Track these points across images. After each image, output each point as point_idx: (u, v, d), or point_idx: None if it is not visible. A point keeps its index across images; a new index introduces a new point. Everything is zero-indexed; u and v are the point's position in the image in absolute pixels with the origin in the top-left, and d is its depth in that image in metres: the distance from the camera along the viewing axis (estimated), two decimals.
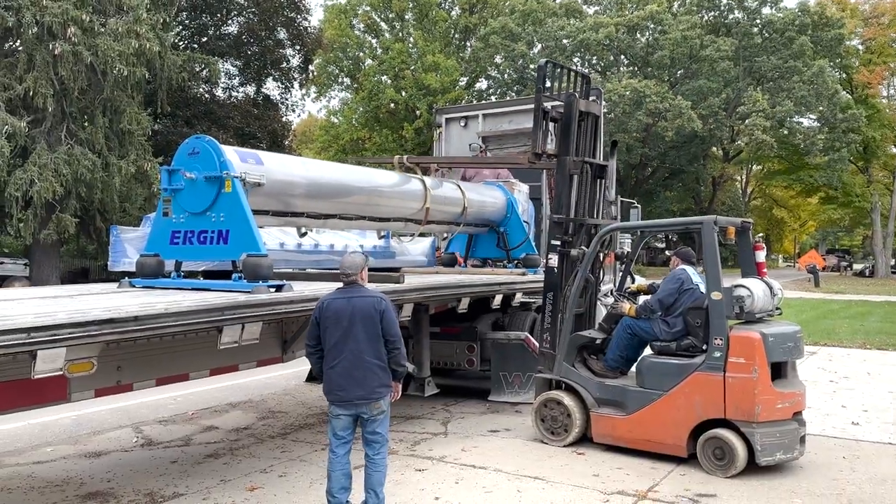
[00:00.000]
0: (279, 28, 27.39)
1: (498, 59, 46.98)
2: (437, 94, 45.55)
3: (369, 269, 7.96)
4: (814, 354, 11.63)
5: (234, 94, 27.86)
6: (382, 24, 48.84)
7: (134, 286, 5.58)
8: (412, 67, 46.43)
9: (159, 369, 4.89)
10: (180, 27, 25.07)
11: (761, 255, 6.32)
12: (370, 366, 4.28)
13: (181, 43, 24.74)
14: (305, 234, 7.20)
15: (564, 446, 6.05)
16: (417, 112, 44.30)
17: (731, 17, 45.84)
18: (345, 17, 45.68)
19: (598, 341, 6.42)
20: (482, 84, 51.39)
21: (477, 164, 9.52)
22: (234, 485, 5.26)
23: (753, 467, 5.34)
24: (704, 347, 5.62)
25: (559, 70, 7.12)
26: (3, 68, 16.63)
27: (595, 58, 46.65)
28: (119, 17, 17.76)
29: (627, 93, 38.52)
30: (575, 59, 46.57)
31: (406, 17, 50.59)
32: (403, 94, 45.83)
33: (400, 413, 7.51)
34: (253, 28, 25.85)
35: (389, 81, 46.54)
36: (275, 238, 7.03)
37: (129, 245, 6.32)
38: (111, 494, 5.08)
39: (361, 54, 48.55)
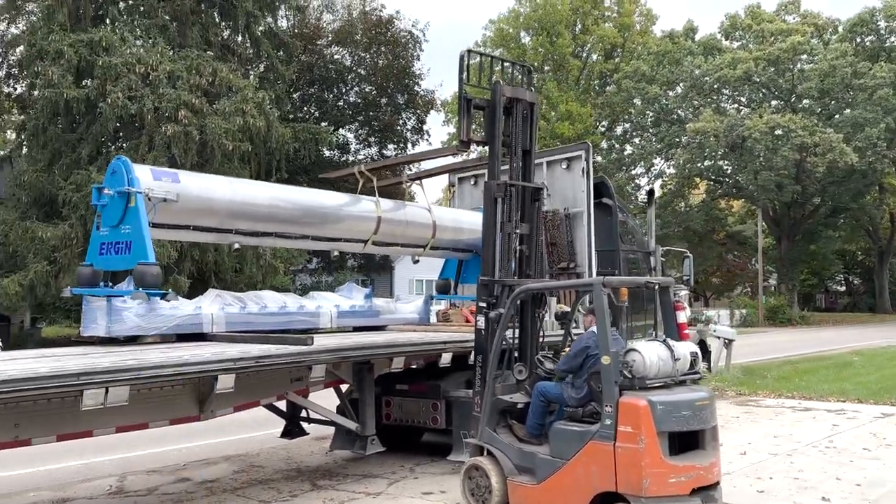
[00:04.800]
0: (396, 94, 28.95)
1: (638, 102, 46.16)
2: (572, 141, 45.59)
3: (353, 328, 8.47)
4: (887, 416, 10.32)
5: (356, 157, 29.69)
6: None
7: (72, 294, 6.87)
8: (547, 118, 46.90)
9: (60, 426, 5.48)
10: (300, 100, 27.27)
11: (682, 316, 5.98)
12: None
13: (300, 114, 26.90)
14: (238, 249, 8.08)
15: None
16: None
17: (890, 40, 42.05)
18: (483, 74, 47.17)
19: (519, 406, 6.20)
20: (622, 126, 50.74)
21: (407, 160, 9.81)
22: None
23: None
24: None
25: (490, 60, 7.22)
26: (130, 150, 19.00)
27: (735, 93, 44.49)
28: (228, 98, 19.76)
29: (767, 128, 36.22)
30: (715, 97, 44.73)
31: (545, 68, 51.32)
32: (539, 144, 46.02)
33: (361, 471, 7.71)
34: (366, 96, 27.55)
35: None
36: (247, 302, 7.60)
37: (99, 312, 7.10)
38: None
39: None
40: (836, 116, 40.23)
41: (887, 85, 37.75)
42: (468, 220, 9.53)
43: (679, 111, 45.17)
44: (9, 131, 30.39)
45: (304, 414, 7.89)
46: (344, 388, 7.67)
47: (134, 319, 6.57)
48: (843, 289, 74.35)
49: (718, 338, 15.61)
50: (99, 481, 7.54)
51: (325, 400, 7.61)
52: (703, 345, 14.49)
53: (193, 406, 6.22)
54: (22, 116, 24.08)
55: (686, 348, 5.68)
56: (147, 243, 6.02)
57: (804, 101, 42.62)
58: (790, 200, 43.11)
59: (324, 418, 7.40)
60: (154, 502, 6.70)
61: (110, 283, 6.69)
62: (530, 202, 6.94)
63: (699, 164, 42.39)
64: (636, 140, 47.99)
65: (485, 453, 6.09)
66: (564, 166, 9.57)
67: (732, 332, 15.71)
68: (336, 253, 8.60)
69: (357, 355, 6.53)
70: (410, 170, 10.48)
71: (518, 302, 6.35)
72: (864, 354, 20.98)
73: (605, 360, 5.30)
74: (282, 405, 7.76)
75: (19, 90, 26.11)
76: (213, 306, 7.21)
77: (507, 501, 5.86)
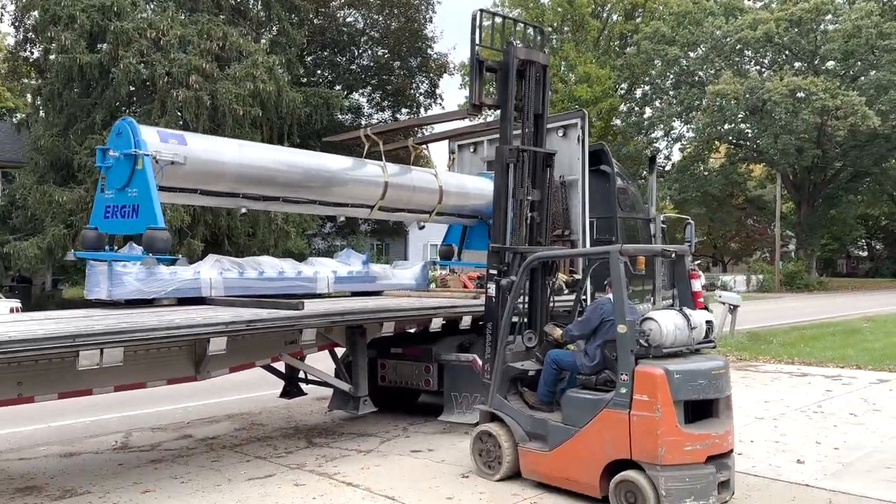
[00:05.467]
0: (409, 58, 28.85)
1: (658, 63, 45.45)
2: (590, 104, 45.15)
3: (351, 294, 8.64)
4: (883, 383, 10.41)
5: (369, 121, 29.71)
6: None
7: (76, 257, 6.93)
8: (565, 80, 46.41)
9: (61, 385, 5.76)
10: (312, 64, 27.25)
11: (697, 284, 5.93)
12: None
13: (313, 78, 26.91)
14: (246, 213, 8.12)
15: (497, 480, 5.93)
16: None
17: None
18: (499, 34, 46.68)
19: (530, 373, 6.26)
20: (641, 89, 50.02)
21: (416, 123, 9.76)
22: (137, 487, 6.02)
23: None
24: None
25: (503, 21, 7.12)
26: (142, 115, 19.22)
27: (758, 55, 43.64)
28: (239, 62, 19.85)
29: (787, 91, 35.58)
30: (736, 59, 43.94)
31: (564, 29, 50.60)
32: (556, 107, 45.76)
33: (357, 430, 7.98)
34: (378, 60, 27.49)
35: None
36: (245, 267, 7.80)
37: (101, 276, 7.36)
38: (38, 489, 6.05)
39: None
40: (861, 79, 39.39)
41: None
42: (474, 186, 9.58)
43: (700, 73, 44.49)
44: (28, 95, 30.74)
45: (301, 375, 8.16)
46: (342, 351, 7.91)
47: (134, 283, 6.73)
48: (866, 254, 73.58)
49: (723, 303, 15.67)
50: (105, 437, 7.88)
51: (325, 362, 7.87)
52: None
53: (190, 366, 6.44)
54: (39, 81, 24.33)
55: (702, 317, 5.60)
56: (156, 207, 5.98)
57: (828, 63, 41.77)
58: (810, 165, 42.56)
59: (318, 379, 7.65)
60: (155, 457, 7.01)
61: (115, 247, 6.87)
62: (542, 168, 6.83)
63: (719, 128, 41.84)
64: (656, 103, 47.37)
65: (495, 420, 6.12)
66: (561, 134, 9.59)
67: (737, 297, 15.75)
68: (342, 218, 8.62)
69: (346, 320, 6.71)
70: (422, 133, 10.39)
71: (529, 269, 6.32)
72: (875, 321, 20.93)
73: (622, 328, 5.26)
74: (281, 367, 8.03)
75: (36, 54, 26.36)
76: (211, 271, 7.39)
77: (517, 467, 5.91)
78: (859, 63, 40.56)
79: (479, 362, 7.64)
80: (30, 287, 24.34)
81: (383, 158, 8.62)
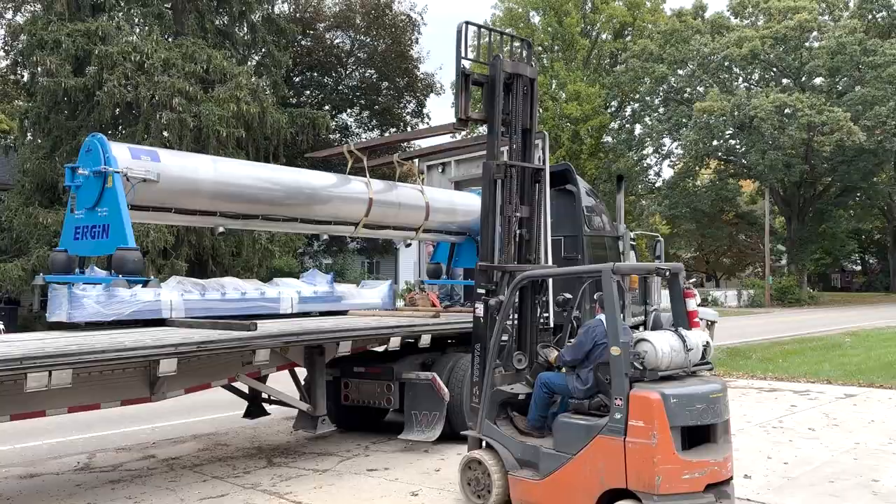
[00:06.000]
0: (396, 78, 29.14)
1: (647, 81, 45.83)
2: (580, 122, 45.53)
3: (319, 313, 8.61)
4: (850, 398, 10.50)
5: (357, 141, 29.93)
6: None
7: (45, 281, 6.59)
8: (555, 98, 46.79)
9: (13, 406, 5.83)
10: (300, 84, 27.53)
11: (692, 303, 5.61)
12: None
13: (302, 98, 27.18)
14: (223, 232, 8.02)
15: None
16: (559, 142, 44.38)
17: None
18: (481, 49, 47.14)
19: (521, 397, 5.96)
20: (631, 107, 50.38)
21: (400, 139, 9.62)
22: None
23: None
24: None
25: (490, 34, 7.01)
26: (127, 137, 19.42)
27: (745, 73, 44.06)
28: (223, 84, 20.08)
29: (773, 107, 35.90)
30: (724, 76, 44.35)
31: (555, 47, 51.03)
32: (546, 125, 46.13)
33: (319, 449, 8.06)
34: (366, 80, 27.77)
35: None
36: (208, 288, 7.90)
37: (63, 299, 7.45)
38: None
39: None
40: (847, 95, 39.75)
41: None
42: (462, 202, 9.52)
43: (687, 90, 44.88)
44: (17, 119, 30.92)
45: (264, 395, 8.24)
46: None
47: (94, 306, 6.82)
48: (860, 268, 73.73)
49: (700, 319, 15.76)
50: (68, 458, 7.94)
51: (288, 383, 7.96)
52: None
53: (144, 388, 6.51)
54: (28, 104, 24.57)
55: (698, 337, 5.40)
56: (126, 227, 5.78)
57: (815, 80, 42.17)
58: (799, 180, 42.82)
59: (278, 399, 7.73)
60: (115, 478, 7.07)
61: (83, 270, 6.73)
62: (531, 184, 6.58)
63: (707, 144, 42.14)
64: (646, 120, 47.71)
65: (483, 445, 5.89)
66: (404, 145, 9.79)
67: (714, 313, 15.84)
68: (325, 236, 8.55)
69: (300, 340, 6.79)
70: (411, 149, 10.18)
71: (518, 288, 6.06)
72: (858, 335, 21.02)
73: (615, 350, 5.00)
74: (246, 388, 8.10)
75: (26, 77, 26.61)
76: (172, 293, 7.50)
77: (507, 496, 5.59)
78: (845, 79, 40.97)
79: (439, 380, 7.78)
80: (16, 309, 24.38)
81: (367, 174, 8.51)
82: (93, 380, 6.01)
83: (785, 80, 43.00)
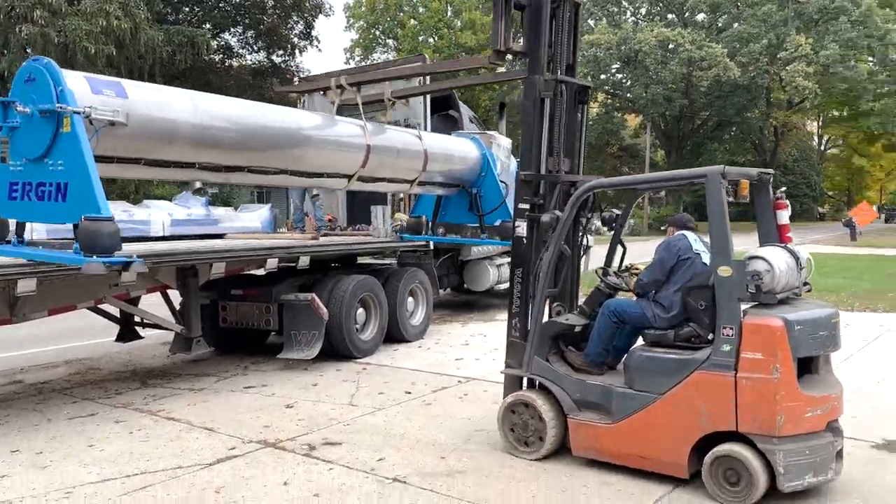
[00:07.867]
0: None
1: None
2: (474, 51, 45.36)
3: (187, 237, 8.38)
4: None
5: (242, 62, 28.77)
6: None
7: None
8: (451, 26, 46.35)
9: None
10: (178, 0, 25.99)
11: (784, 216, 4.89)
12: None
13: (180, 15, 25.70)
14: (201, 189, 7.30)
15: (537, 459, 4.93)
16: (455, 72, 44.13)
17: None
18: None
19: (577, 329, 5.22)
20: None
21: (423, 73, 8.58)
22: None
23: (775, 493, 4.18)
24: (710, 337, 4.38)
25: None
26: None
27: (633, 6, 45.05)
28: None
29: (657, 42, 37.05)
30: (613, 9, 45.20)
31: None
32: (441, 54, 45.78)
33: (197, 371, 8.06)
34: None
35: (431, 41, 46.74)
36: None
37: None
38: None
39: (402, 15, 48.78)
40: (725, 32, 41.49)
41: (771, 0, 39.08)
42: (458, 149, 8.63)
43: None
44: None
45: (137, 318, 8.10)
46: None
47: None
48: (733, 199, 78.64)
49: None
50: None
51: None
52: None
53: (4, 308, 6.28)
54: None
55: (805, 254, 4.65)
56: (96, 187, 4.47)
57: (698, 16, 43.68)
58: (679, 114, 44.75)
59: (150, 322, 7.64)
60: None
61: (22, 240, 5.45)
62: (574, 105, 5.69)
63: (594, 78, 43.14)
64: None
65: (534, 387, 5.14)
66: (405, 80, 9.74)
67: (590, 238, 16.60)
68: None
69: (170, 261, 6.69)
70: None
71: (578, 204, 5.09)
72: None
73: (725, 270, 4.28)
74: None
75: None
76: None
77: (562, 443, 4.95)
78: (725, 16, 42.67)
79: (317, 301, 7.89)
80: None
81: (363, 115, 7.24)
82: None
83: (670, 16, 44.31)
